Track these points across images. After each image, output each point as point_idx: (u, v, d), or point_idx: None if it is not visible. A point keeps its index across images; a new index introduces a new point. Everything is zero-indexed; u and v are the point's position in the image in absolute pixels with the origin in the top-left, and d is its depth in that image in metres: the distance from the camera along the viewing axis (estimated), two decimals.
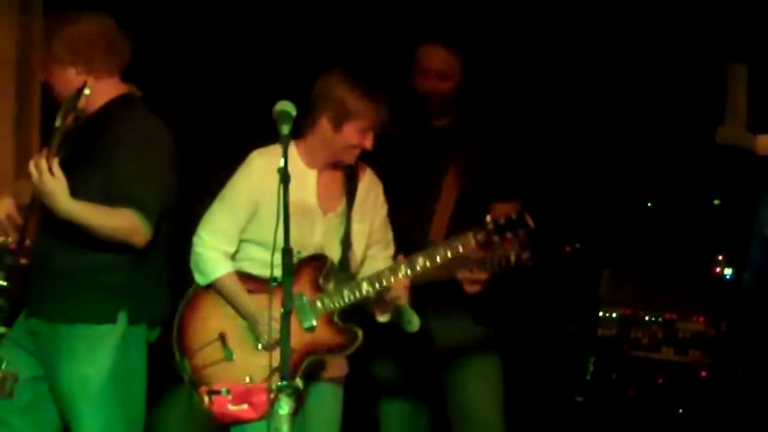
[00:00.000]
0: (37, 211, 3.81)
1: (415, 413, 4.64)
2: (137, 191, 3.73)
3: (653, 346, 5.39)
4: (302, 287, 3.83)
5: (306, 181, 3.91)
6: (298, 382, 3.27)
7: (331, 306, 3.83)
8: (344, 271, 3.91)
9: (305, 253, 3.86)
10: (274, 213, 3.54)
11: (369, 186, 4.01)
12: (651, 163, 5.51)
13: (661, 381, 5.31)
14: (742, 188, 4.75)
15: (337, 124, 3.84)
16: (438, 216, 4.42)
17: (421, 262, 3.81)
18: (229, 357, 3.87)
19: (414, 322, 4.12)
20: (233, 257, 3.94)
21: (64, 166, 3.62)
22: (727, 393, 4.97)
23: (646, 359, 5.38)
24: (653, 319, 5.41)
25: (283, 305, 3.20)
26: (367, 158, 4.04)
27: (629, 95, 5.49)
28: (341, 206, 3.95)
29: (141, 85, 4.00)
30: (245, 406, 3.67)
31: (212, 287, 3.92)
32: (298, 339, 3.64)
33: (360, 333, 3.82)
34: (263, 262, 3.70)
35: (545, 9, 5.33)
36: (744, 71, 4.42)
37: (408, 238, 4.25)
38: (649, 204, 5.65)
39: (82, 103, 3.66)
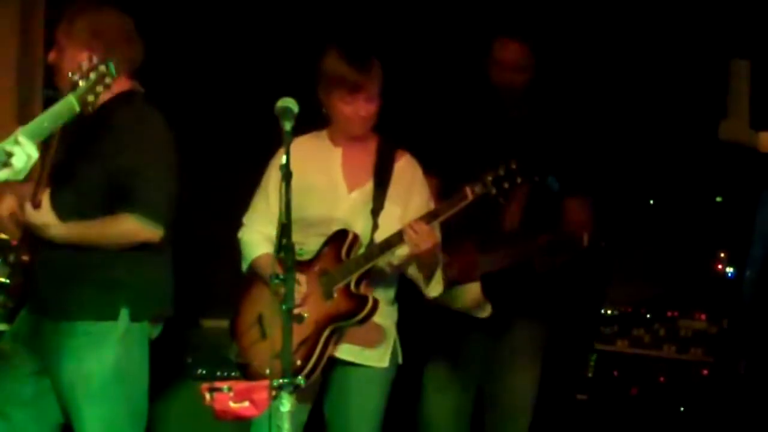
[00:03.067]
0: None
1: (463, 407, 4.69)
2: (138, 189, 3.73)
3: (655, 344, 5.38)
4: (326, 262, 3.92)
5: (331, 158, 4.02)
6: (300, 379, 3.26)
7: (344, 275, 3.88)
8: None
9: (331, 228, 3.93)
10: (304, 188, 3.77)
11: (404, 168, 4.03)
12: (653, 160, 5.50)
13: (662, 379, 5.30)
14: (745, 185, 4.74)
15: (327, 98, 3.96)
16: (511, 206, 4.48)
17: (426, 220, 3.83)
18: (263, 336, 3.93)
19: (486, 309, 4.38)
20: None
21: (65, 162, 3.62)
22: (729, 391, 4.96)
23: (647, 357, 5.37)
24: (655, 316, 5.41)
25: (284, 303, 3.21)
26: (442, 148, 4.22)
27: (631, 91, 5.48)
28: (369, 185, 3.99)
29: (143, 82, 4.00)
30: (246, 403, 3.66)
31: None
32: (318, 311, 3.86)
33: (371, 299, 3.86)
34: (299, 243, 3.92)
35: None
36: (747, 67, 4.41)
37: (481, 228, 4.41)
38: (650, 201, 5.64)
39: None
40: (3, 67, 5.06)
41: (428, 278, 4.00)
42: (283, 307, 3.21)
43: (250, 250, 4.04)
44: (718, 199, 5.55)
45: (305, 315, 3.89)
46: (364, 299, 3.88)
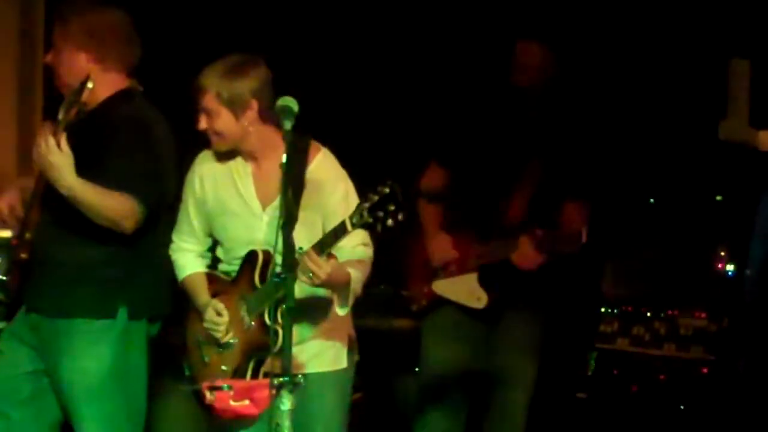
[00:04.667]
0: (38, 205, 3.82)
1: (461, 403, 4.71)
2: (133, 180, 3.71)
3: (655, 342, 5.39)
4: (243, 288, 3.75)
5: (243, 176, 3.82)
6: (300, 377, 3.24)
7: (257, 304, 3.69)
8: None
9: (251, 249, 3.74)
10: (220, 210, 3.77)
11: (317, 169, 3.77)
12: (653, 159, 5.51)
13: (662, 377, 5.31)
14: (745, 184, 4.75)
15: None
16: (515, 201, 4.56)
17: (316, 251, 3.50)
18: (206, 361, 3.85)
19: (482, 299, 4.42)
20: (218, 259, 3.93)
21: None
22: (729, 389, 4.96)
23: (647, 355, 5.38)
24: (655, 315, 5.41)
25: (285, 302, 3.20)
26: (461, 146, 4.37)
27: (631, 90, 5.49)
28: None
29: (142, 81, 4.00)
30: (247, 402, 3.67)
31: None
32: (242, 339, 3.73)
33: (280, 332, 3.45)
34: (224, 260, 3.87)
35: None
36: (747, 66, 4.40)
37: (484, 219, 4.52)
38: (651, 200, 5.65)
39: (85, 96, 3.65)
40: (3, 68, 5.07)
41: (341, 301, 3.69)
42: (283, 306, 3.20)
43: (179, 271, 3.90)
44: (719, 197, 5.56)
45: (232, 341, 3.74)
46: (275, 332, 3.49)
